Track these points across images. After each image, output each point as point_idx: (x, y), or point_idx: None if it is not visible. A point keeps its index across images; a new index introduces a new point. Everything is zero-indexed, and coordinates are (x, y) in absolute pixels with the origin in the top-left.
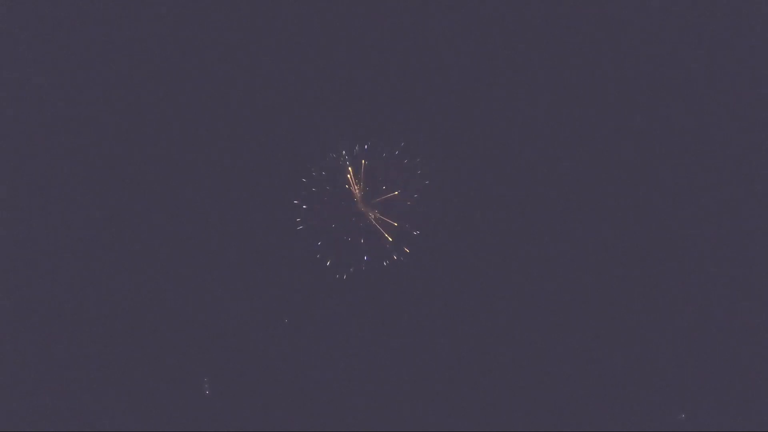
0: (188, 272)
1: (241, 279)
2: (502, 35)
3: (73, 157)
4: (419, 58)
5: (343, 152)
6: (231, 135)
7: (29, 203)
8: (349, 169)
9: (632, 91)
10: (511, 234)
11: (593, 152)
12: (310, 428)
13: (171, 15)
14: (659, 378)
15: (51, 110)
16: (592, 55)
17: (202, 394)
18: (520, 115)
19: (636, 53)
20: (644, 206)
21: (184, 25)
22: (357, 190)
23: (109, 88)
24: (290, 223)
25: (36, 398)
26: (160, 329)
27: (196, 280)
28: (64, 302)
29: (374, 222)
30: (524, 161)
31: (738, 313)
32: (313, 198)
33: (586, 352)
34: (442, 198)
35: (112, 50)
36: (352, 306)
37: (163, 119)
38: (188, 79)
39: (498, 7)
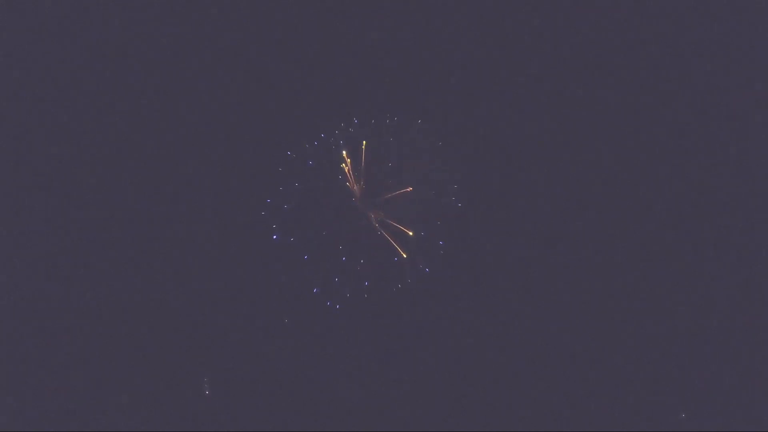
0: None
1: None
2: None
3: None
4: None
5: (336, 132)
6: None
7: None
8: (345, 155)
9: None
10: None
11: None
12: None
13: None
14: (660, 378)
15: None
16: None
17: (202, 394)
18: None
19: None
20: (653, 207)
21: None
22: (355, 185)
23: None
24: (264, 230)
25: (36, 398)
26: (157, 331)
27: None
28: (61, 303)
29: (378, 228)
30: (562, 151)
31: (738, 314)
32: (296, 196)
33: (587, 353)
34: (474, 196)
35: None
36: (348, 340)
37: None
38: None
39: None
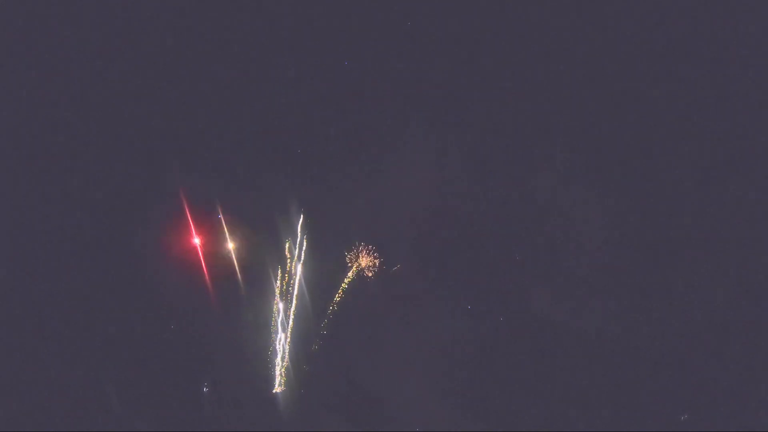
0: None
1: None
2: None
3: None
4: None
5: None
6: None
7: None
8: None
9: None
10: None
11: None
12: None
13: None
14: (661, 378)
15: None
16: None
17: (201, 394)
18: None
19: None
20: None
21: None
22: None
23: None
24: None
25: (35, 398)
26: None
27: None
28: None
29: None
30: None
31: (739, 314)
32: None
33: (588, 353)
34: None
35: None
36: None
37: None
38: None
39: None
